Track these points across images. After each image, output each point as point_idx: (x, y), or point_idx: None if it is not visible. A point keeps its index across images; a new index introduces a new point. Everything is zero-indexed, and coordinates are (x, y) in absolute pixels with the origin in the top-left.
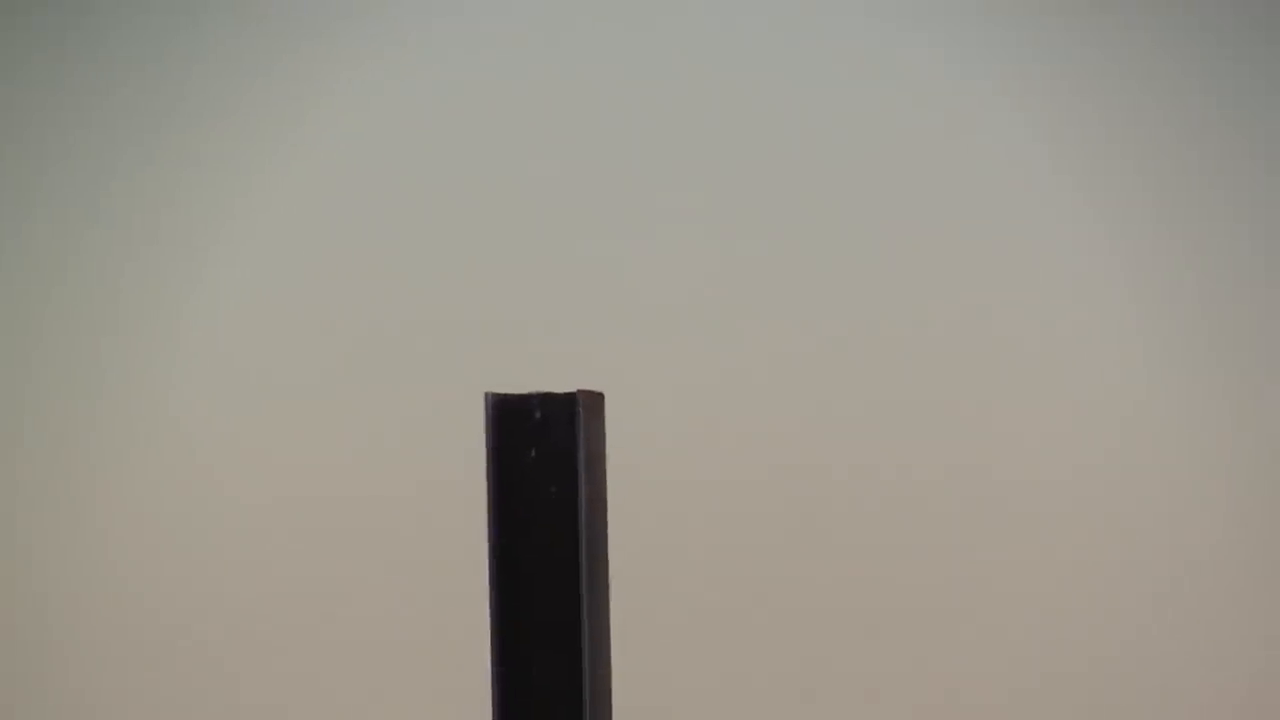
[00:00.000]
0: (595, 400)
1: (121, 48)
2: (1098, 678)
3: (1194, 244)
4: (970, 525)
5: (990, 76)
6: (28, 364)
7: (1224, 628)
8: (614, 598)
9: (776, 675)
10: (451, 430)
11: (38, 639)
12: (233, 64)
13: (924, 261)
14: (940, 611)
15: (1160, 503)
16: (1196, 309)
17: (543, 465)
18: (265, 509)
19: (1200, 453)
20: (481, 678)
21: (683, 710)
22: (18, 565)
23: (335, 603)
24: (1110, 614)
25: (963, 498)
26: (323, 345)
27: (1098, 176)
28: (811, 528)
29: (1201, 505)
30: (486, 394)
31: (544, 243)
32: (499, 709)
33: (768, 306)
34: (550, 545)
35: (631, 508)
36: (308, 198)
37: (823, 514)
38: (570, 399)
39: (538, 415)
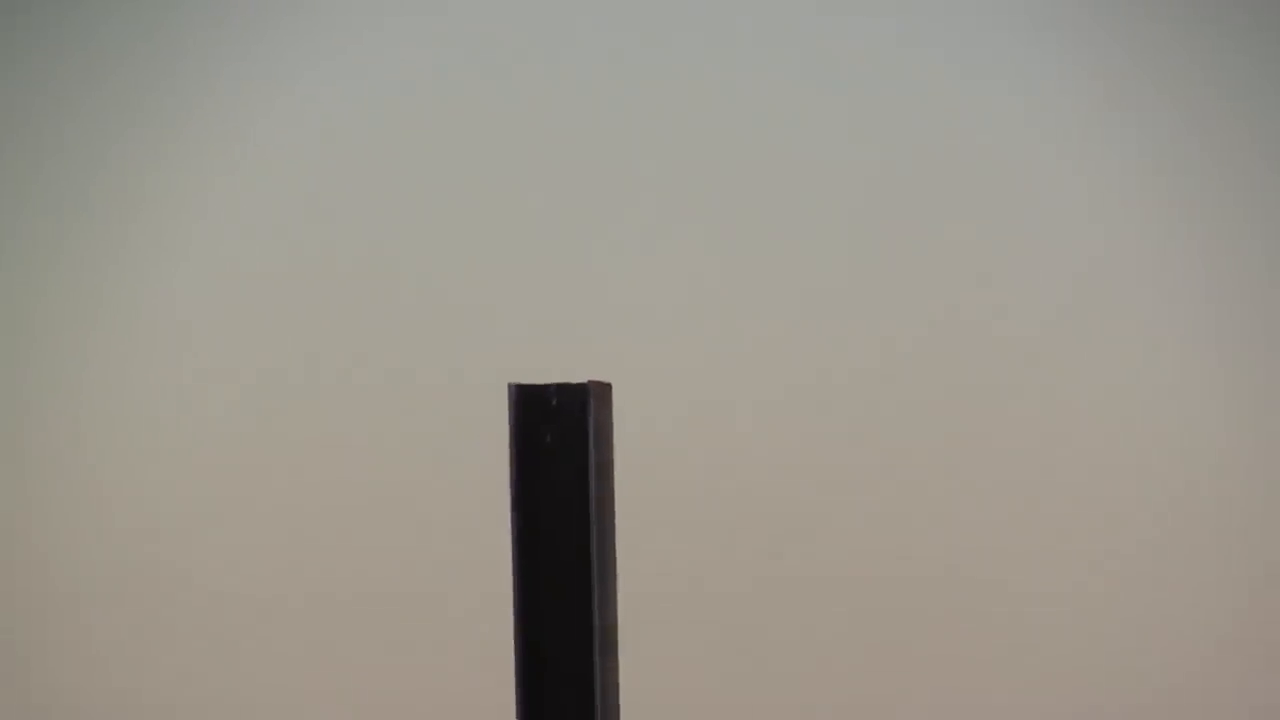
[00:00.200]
0: (604, 389)
1: (109, 39)
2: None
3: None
4: (971, 512)
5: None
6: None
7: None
8: (620, 555)
9: (769, 625)
10: (480, 415)
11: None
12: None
13: (920, 261)
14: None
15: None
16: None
17: (558, 445)
18: (316, 488)
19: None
20: (506, 612)
21: (681, 639)
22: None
23: (381, 552)
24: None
25: (964, 488)
26: (369, 341)
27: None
28: (800, 503)
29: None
30: (510, 384)
31: (559, 248)
32: (520, 640)
33: (759, 305)
34: (564, 512)
35: (635, 481)
36: (356, 206)
37: (809, 490)
38: (582, 388)
39: (554, 402)
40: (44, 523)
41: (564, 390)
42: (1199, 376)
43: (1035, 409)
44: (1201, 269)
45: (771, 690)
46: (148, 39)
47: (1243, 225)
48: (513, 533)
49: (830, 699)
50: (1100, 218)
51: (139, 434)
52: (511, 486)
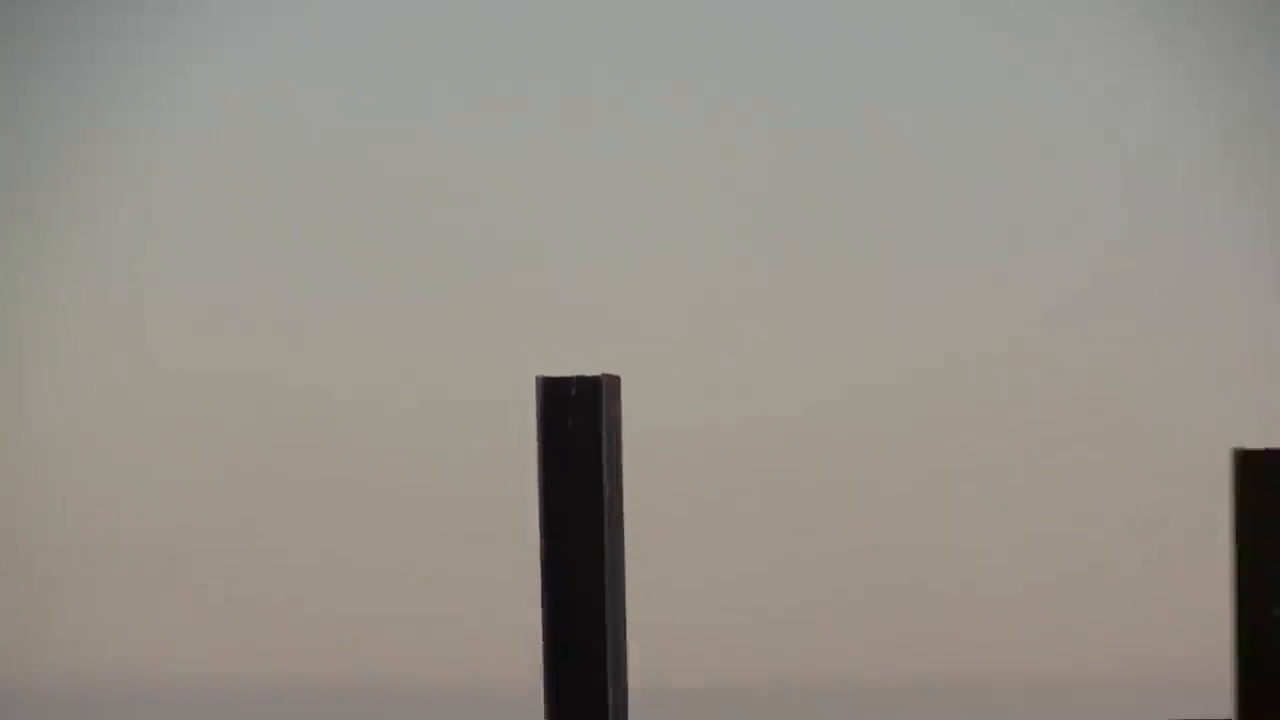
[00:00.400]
0: (614, 381)
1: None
2: None
3: None
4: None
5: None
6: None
7: None
8: (626, 517)
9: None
10: (510, 403)
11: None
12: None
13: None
14: None
15: None
16: None
17: (578, 428)
18: (377, 456)
19: None
20: (533, 555)
21: (680, 572)
22: None
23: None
24: None
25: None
26: (419, 337)
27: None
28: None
29: None
30: (536, 377)
31: (575, 253)
32: (546, 576)
33: (757, 304)
34: (582, 480)
35: (638, 457)
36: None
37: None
38: (597, 380)
39: (573, 392)
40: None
41: (582, 381)
42: None
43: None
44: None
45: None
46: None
47: None
48: (540, 500)
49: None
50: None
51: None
52: (539, 462)
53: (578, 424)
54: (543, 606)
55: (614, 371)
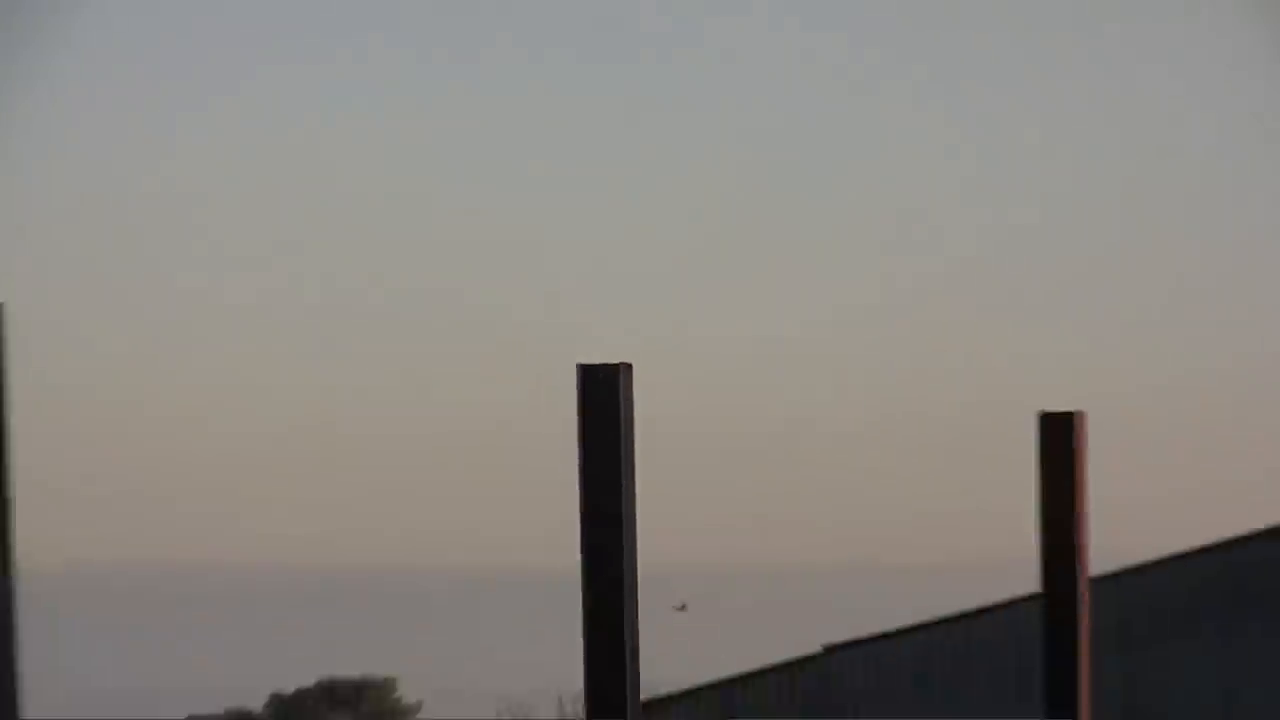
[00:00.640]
0: (629, 367)
1: None
2: None
3: None
4: None
5: None
6: None
7: None
8: (638, 467)
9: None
10: (557, 384)
11: None
12: None
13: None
14: None
15: None
16: None
17: (604, 402)
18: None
19: None
20: (573, 505)
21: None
22: None
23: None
24: None
25: None
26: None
27: None
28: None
29: None
30: (577, 364)
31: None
32: (584, 528)
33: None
34: (609, 439)
35: (646, 423)
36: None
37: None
38: (618, 366)
39: (601, 375)
40: None
41: (607, 367)
42: None
43: None
44: None
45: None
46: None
47: None
48: (579, 452)
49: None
50: None
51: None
52: (580, 427)
53: (604, 399)
54: (581, 520)
55: (621, 360)
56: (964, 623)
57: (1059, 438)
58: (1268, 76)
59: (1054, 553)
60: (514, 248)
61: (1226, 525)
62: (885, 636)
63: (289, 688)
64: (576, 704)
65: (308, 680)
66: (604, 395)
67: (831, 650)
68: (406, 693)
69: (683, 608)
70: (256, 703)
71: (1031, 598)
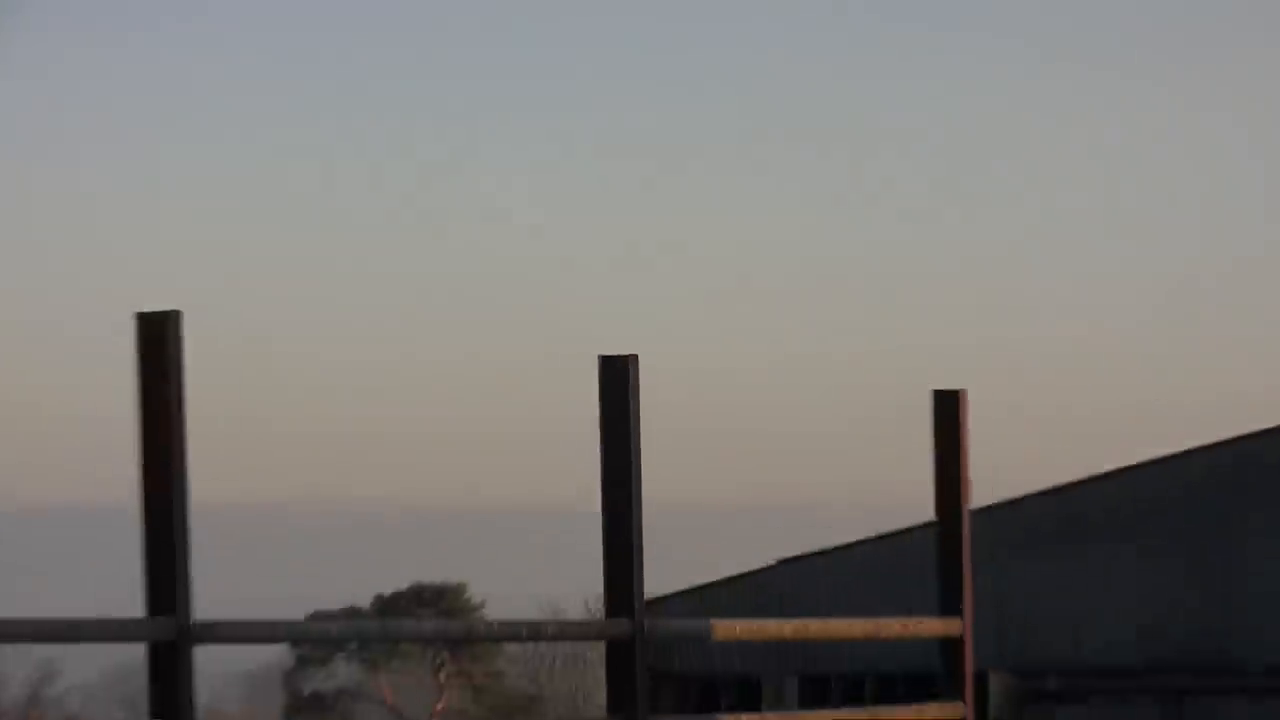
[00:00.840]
0: (635, 358)
1: None
2: None
3: None
4: None
5: None
6: None
7: None
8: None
9: None
10: (579, 372)
11: None
12: None
13: None
14: None
15: None
16: None
17: (618, 385)
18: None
19: None
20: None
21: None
22: None
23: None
24: None
25: None
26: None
27: None
28: None
29: None
30: (599, 355)
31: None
32: (604, 500)
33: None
34: (620, 417)
35: (650, 401)
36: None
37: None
38: (628, 357)
39: (618, 365)
40: None
41: (620, 358)
42: None
43: None
44: None
45: None
46: None
47: None
48: (600, 429)
49: None
50: None
51: None
52: (600, 408)
53: (618, 383)
54: (601, 480)
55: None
56: (886, 541)
57: (948, 410)
58: None
59: (944, 490)
60: None
61: (1069, 473)
62: (827, 551)
63: (388, 590)
64: (597, 604)
65: (402, 585)
66: (623, 377)
67: (786, 561)
68: (474, 595)
69: None
70: (364, 602)
71: (929, 524)
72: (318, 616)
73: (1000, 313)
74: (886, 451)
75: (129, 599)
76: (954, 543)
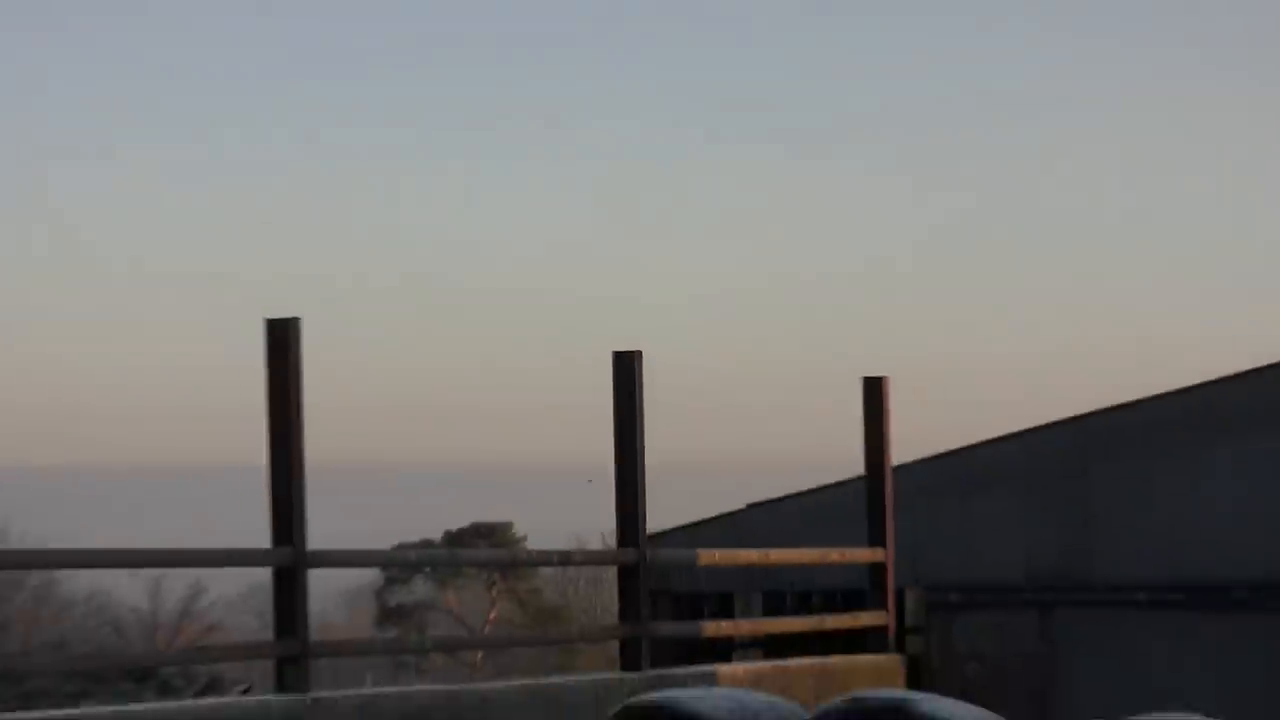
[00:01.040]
0: (640, 354)
1: None
2: None
3: None
4: None
5: None
6: None
7: None
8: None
9: None
10: (596, 367)
11: None
12: None
13: None
14: None
15: None
16: None
17: (629, 377)
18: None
19: None
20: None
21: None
22: None
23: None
24: None
25: None
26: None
27: None
28: None
29: None
30: (612, 351)
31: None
32: (616, 461)
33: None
34: (630, 403)
35: (652, 387)
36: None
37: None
38: (635, 353)
39: (626, 360)
40: None
41: (630, 353)
42: None
43: None
44: None
45: None
46: None
47: None
48: (614, 417)
49: None
50: None
51: None
52: (615, 397)
53: (628, 376)
54: (613, 453)
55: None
56: (830, 490)
57: (874, 392)
58: None
59: (871, 453)
60: None
61: (967, 438)
62: (785, 497)
63: (454, 527)
64: (611, 538)
65: (465, 523)
66: (632, 369)
67: (754, 505)
68: (518, 530)
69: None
70: (435, 535)
71: (861, 478)
72: (401, 547)
73: (919, 308)
74: (829, 423)
75: (260, 534)
76: (879, 492)
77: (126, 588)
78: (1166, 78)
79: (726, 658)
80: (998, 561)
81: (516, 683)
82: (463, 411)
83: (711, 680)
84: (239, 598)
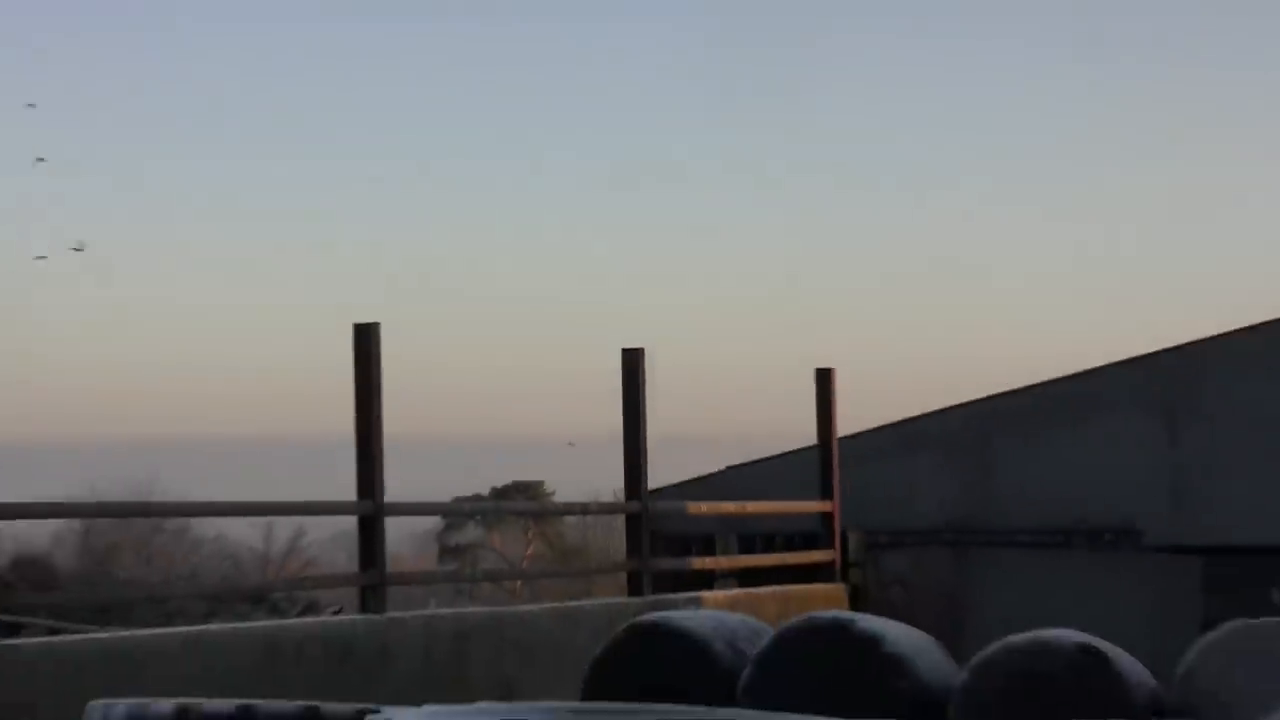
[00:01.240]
0: (642, 351)
1: None
2: None
3: None
4: None
5: None
6: None
7: None
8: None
9: None
10: (604, 362)
11: None
12: None
13: None
14: None
15: None
16: None
17: (635, 371)
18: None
19: None
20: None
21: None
22: None
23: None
24: None
25: None
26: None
27: None
28: None
29: None
30: (621, 348)
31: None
32: (624, 435)
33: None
34: (636, 397)
35: (655, 377)
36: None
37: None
38: (639, 350)
39: (633, 356)
40: None
41: (637, 350)
42: None
43: None
44: None
45: None
46: None
47: None
48: (624, 409)
49: None
50: None
51: None
52: (624, 388)
53: (634, 370)
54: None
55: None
56: (791, 455)
57: (824, 381)
58: None
59: (822, 427)
60: None
61: (901, 413)
62: (757, 460)
63: (500, 484)
64: (620, 493)
65: (508, 480)
66: (639, 364)
67: (732, 467)
68: (548, 487)
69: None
70: (485, 490)
71: (814, 446)
72: (458, 499)
73: (871, 294)
74: (790, 401)
75: (349, 490)
76: (828, 458)
77: (244, 531)
78: None
79: (709, 586)
80: (920, 511)
81: (547, 605)
82: (506, 394)
83: (698, 604)
84: (331, 540)
